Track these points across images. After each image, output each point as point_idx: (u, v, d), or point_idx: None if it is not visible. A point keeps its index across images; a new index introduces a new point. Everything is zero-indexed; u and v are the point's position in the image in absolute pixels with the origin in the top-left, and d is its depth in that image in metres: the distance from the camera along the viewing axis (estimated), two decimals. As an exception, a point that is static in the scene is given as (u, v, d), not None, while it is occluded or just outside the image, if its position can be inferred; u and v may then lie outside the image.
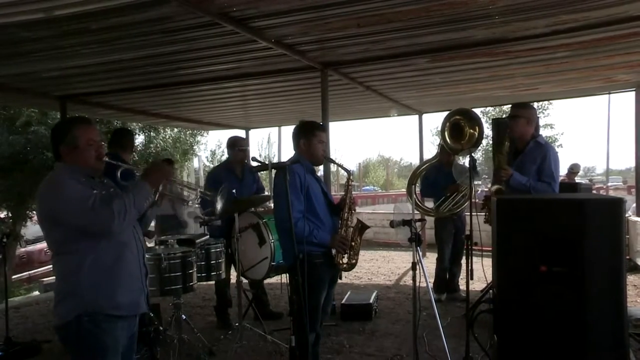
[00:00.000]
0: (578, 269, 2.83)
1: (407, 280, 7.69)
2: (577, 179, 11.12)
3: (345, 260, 3.58)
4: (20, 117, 11.90)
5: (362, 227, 3.73)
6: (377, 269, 9.03)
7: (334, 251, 3.52)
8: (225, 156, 6.12)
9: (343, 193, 3.72)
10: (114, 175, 2.62)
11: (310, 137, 3.55)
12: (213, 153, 23.80)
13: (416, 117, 10.04)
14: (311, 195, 3.41)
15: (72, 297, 2.33)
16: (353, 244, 3.62)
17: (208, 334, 5.05)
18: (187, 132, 16.59)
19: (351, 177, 3.84)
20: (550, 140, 23.14)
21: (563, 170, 10.30)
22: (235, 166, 5.46)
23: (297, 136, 3.61)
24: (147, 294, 2.56)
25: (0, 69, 5.70)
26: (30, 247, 15.23)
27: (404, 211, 4.46)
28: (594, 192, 9.80)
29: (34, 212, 11.85)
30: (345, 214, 3.61)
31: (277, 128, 11.99)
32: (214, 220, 5.05)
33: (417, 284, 3.76)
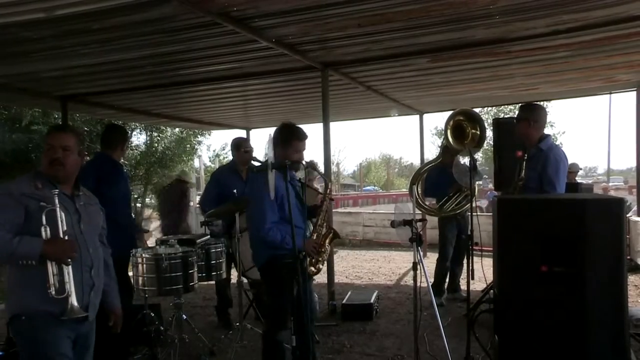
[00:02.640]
0: (579, 269, 2.83)
1: (408, 280, 7.69)
2: (579, 179, 11.09)
3: (311, 263, 3.62)
4: (24, 116, 11.91)
5: (333, 235, 3.78)
6: (378, 269, 9.03)
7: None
8: (228, 158, 6.11)
9: (322, 196, 3.76)
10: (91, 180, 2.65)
11: (287, 147, 3.49)
12: (217, 155, 23.78)
13: (417, 117, 10.04)
14: (286, 203, 3.34)
15: (9, 297, 2.50)
16: (322, 249, 3.68)
17: (209, 333, 5.05)
18: (190, 132, 16.59)
19: (330, 186, 3.86)
20: (550, 140, 22.95)
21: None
22: (240, 168, 5.46)
23: (275, 144, 3.53)
24: (88, 304, 2.53)
25: (1, 69, 5.71)
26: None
27: (405, 211, 4.46)
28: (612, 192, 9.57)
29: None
30: (319, 221, 3.64)
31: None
32: (213, 221, 5.06)
33: (418, 284, 3.77)
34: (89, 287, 2.54)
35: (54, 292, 2.37)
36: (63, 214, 2.44)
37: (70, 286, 2.40)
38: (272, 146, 3.52)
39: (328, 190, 3.82)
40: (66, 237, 2.44)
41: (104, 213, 2.82)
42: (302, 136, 3.61)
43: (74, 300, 2.40)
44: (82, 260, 2.51)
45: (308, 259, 3.57)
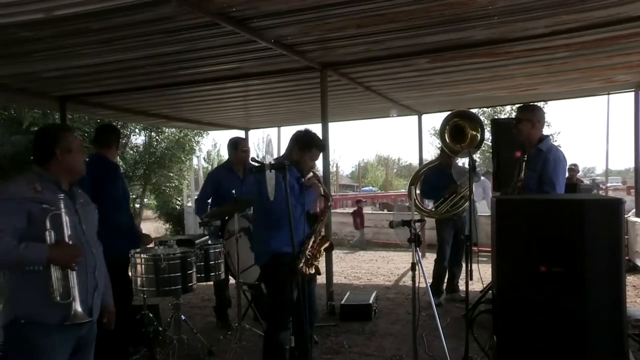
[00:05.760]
0: (577, 270, 2.82)
1: (407, 280, 7.69)
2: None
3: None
4: (25, 118, 11.91)
5: (329, 246, 3.83)
6: (377, 269, 9.03)
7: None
8: (223, 156, 6.09)
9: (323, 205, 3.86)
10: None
11: (305, 151, 3.60)
12: (209, 154, 23.89)
13: (416, 117, 10.04)
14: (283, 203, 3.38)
15: (9, 302, 2.42)
16: (317, 254, 3.71)
17: (207, 334, 5.05)
18: (190, 132, 16.58)
19: (330, 201, 3.94)
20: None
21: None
22: (237, 167, 5.46)
23: (294, 144, 3.65)
24: (92, 306, 2.50)
25: (0, 69, 5.70)
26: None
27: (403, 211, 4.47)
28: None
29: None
30: (318, 227, 3.73)
31: (276, 128, 11.85)
32: (213, 221, 5.06)
33: (417, 284, 3.77)
34: (92, 289, 2.51)
35: (58, 297, 2.32)
36: (67, 218, 2.39)
37: (75, 291, 2.35)
38: (290, 145, 3.65)
39: (329, 203, 3.90)
40: (70, 241, 2.38)
41: (97, 210, 2.75)
42: (322, 147, 3.76)
43: (77, 306, 2.35)
44: (86, 262, 2.47)
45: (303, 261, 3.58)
